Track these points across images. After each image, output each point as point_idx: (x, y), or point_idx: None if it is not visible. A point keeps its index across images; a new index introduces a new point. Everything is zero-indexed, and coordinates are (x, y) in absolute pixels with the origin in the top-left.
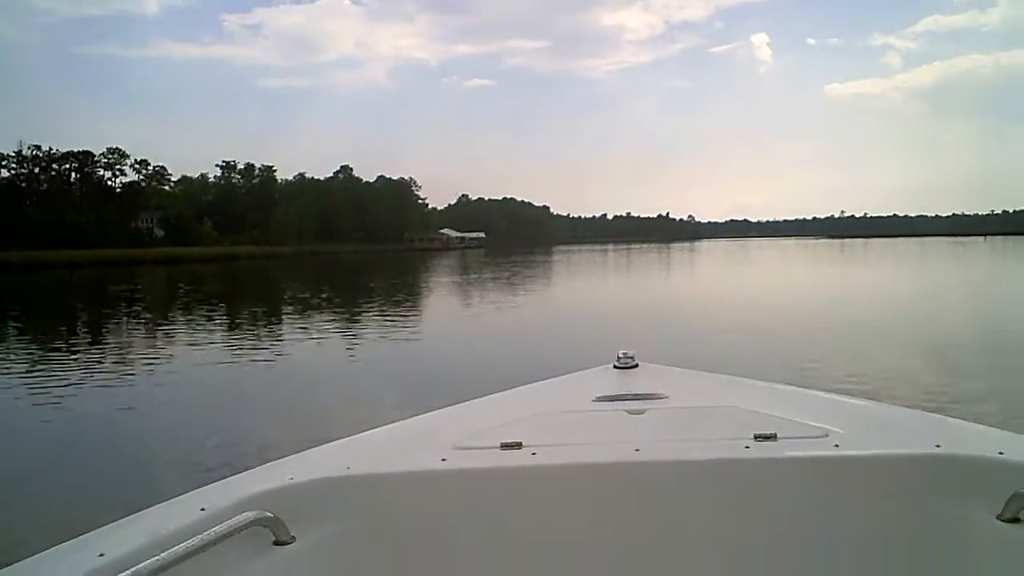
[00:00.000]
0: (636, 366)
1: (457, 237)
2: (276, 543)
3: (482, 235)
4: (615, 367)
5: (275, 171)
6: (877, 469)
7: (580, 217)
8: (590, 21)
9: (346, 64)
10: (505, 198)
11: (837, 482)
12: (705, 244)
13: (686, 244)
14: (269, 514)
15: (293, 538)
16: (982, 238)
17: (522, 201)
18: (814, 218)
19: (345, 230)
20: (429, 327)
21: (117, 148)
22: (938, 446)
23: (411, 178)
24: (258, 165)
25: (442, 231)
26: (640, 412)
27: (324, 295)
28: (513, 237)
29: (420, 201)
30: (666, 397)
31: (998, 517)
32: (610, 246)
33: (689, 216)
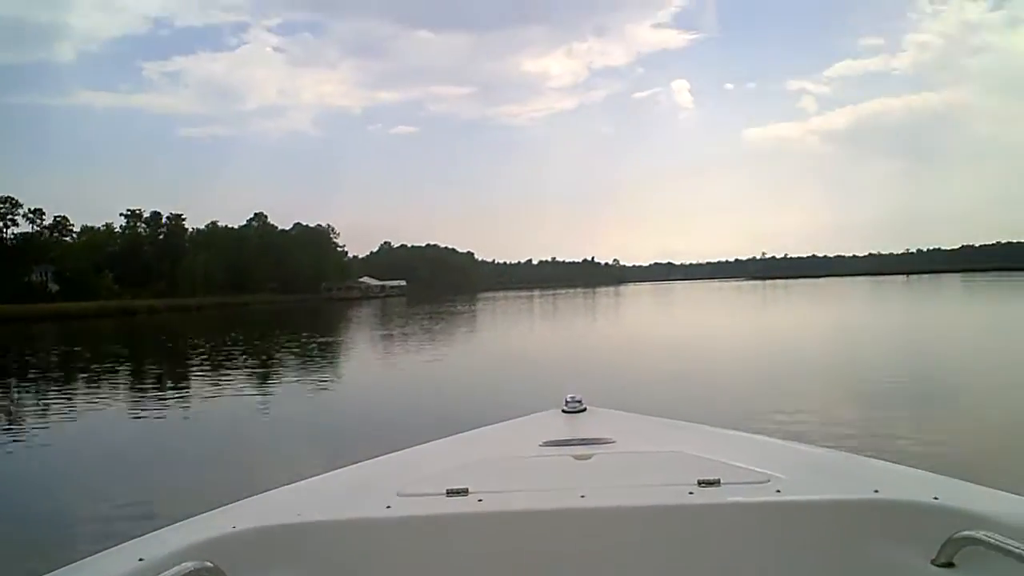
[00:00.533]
0: (584, 410)
1: (377, 285)
2: None
3: (403, 283)
4: (563, 411)
5: (184, 219)
6: (818, 514)
7: (505, 263)
8: (514, 67)
9: (269, 112)
10: (428, 245)
11: (779, 527)
12: (631, 288)
13: (612, 288)
14: (209, 564)
15: None
16: (904, 277)
17: (446, 247)
18: (736, 260)
19: (258, 280)
20: (346, 380)
21: (9, 197)
22: (876, 491)
23: (329, 225)
24: (165, 214)
25: (361, 279)
26: (587, 457)
27: (216, 350)
28: (436, 284)
29: (339, 249)
30: (613, 442)
31: (933, 562)
32: (536, 292)
33: (614, 260)
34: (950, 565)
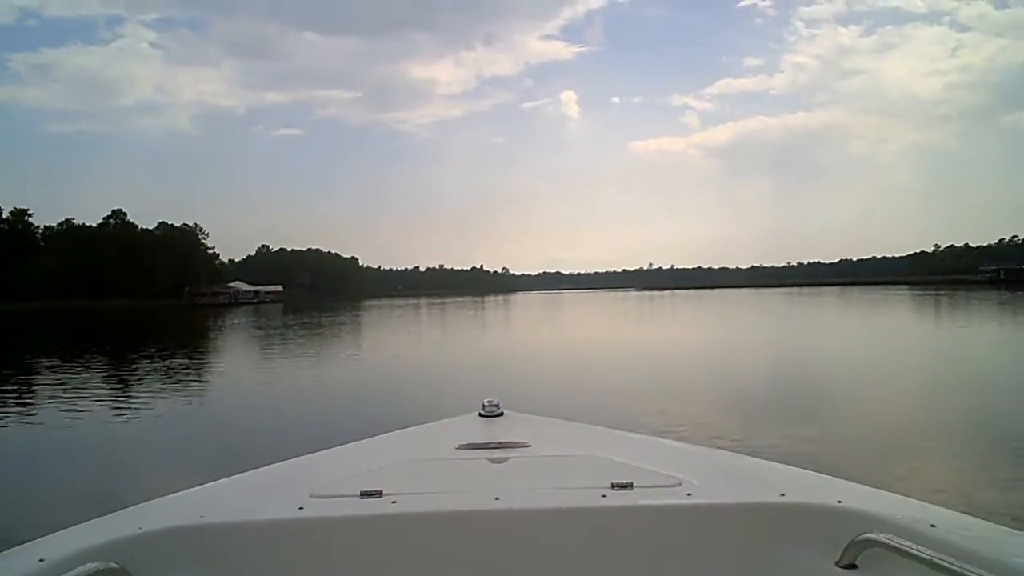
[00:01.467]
0: (501, 414)
1: (250, 291)
2: None
3: (279, 288)
4: (480, 415)
5: (30, 214)
6: (727, 517)
7: (392, 269)
8: (402, 73)
9: (146, 109)
10: (310, 249)
11: (689, 529)
12: (520, 297)
13: (501, 297)
14: (114, 565)
15: None
16: (795, 288)
17: (329, 252)
18: (624, 271)
19: (116, 283)
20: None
21: None
22: (783, 495)
23: (197, 224)
24: (7, 210)
25: (231, 284)
26: (503, 460)
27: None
28: (318, 290)
29: (209, 251)
30: (529, 446)
31: (836, 563)
32: (423, 299)
33: (503, 268)
34: (853, 566)
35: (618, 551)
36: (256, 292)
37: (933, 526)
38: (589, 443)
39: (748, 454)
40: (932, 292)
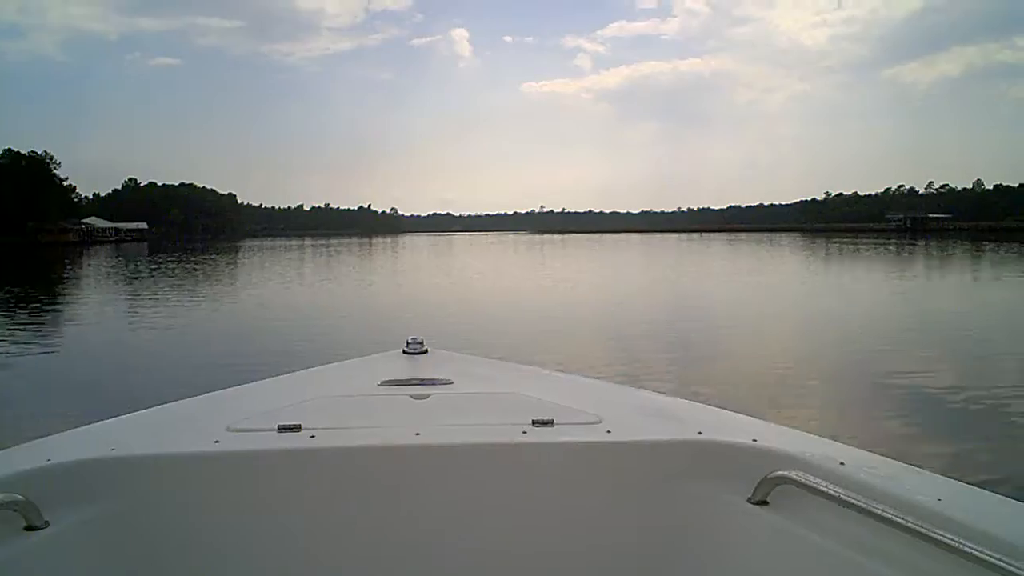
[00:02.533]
0: (425, 352)
1: (108, 228)
2: (27, 528)
3: (143, 226)
4: (404, 352)
5: None
6: (645, 454)
7: (275, 208)
8: (286, 3)
9: (7, 32)
10: (184, 184)
11: (608, 465)
12: (408, 238)
13: (389, 238)
14: (19, 497)
15: (47, 523)
16: (697, 235)
17: (204, 188)
18: (515, 213)
19: None
20: None
21: None
22: (700, 433)
23: (47, 153)
24: None
25: (86, 220)
26: (425, 397)
27: None
28: (190, 228)
29: (62, 183)
30: (452, 383)
31: (749, 500)
32: (307, 240)
33: (392, 209)
34: (764, 503)
35: (538, 486)
36: (116, 230)
37: (842, 464)
38: (512, 381)
39: (667, 394)
40: (843, 240)
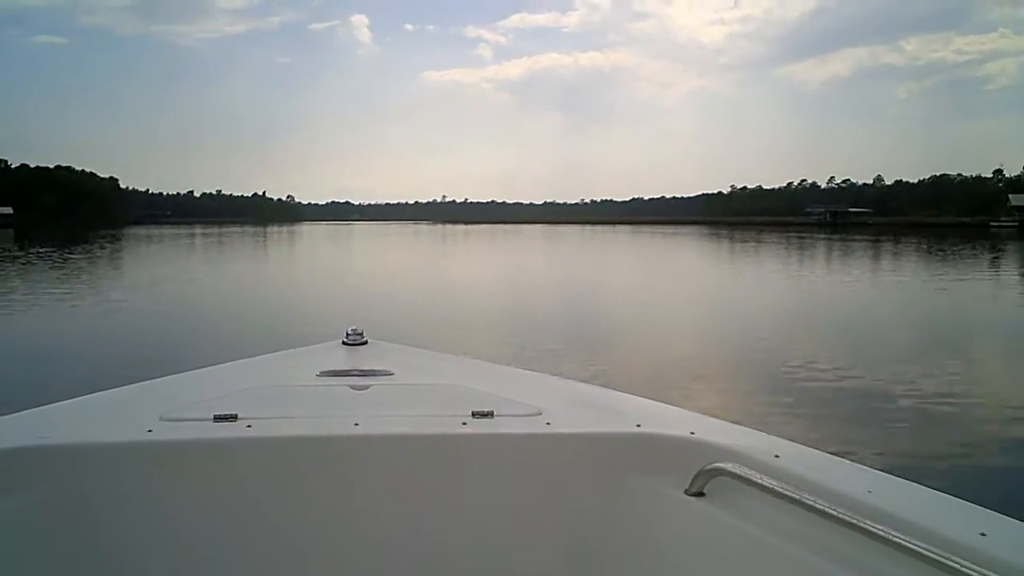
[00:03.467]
0: (365, 343)
1: None
2: None
3: (8, 211)
4: (344, 343)
5: None
6: (584, 446)
7: (162, 194)
8: None
9: None
10: (59, 167)
11: (547, 457)
12: (306, 227)
13: (286, 227)
14: None
15: None
16: (611, 227)
17: (83, 171)
18: (416, 202)
19: None
20: None
21: None
22: (639, 425)
23: None
24: None
25: None
26: (364, 388)
27: None
28: (66, 215)
29: None
30: (392, 374)
31: (686, 492)
32: (198, 228)
33: (288, 196)
34: (701, 494)
35: (477, 477)
36: None
37: (777, 456)
38: (452, 373)
39: (607, 387)
40: (767, 234)
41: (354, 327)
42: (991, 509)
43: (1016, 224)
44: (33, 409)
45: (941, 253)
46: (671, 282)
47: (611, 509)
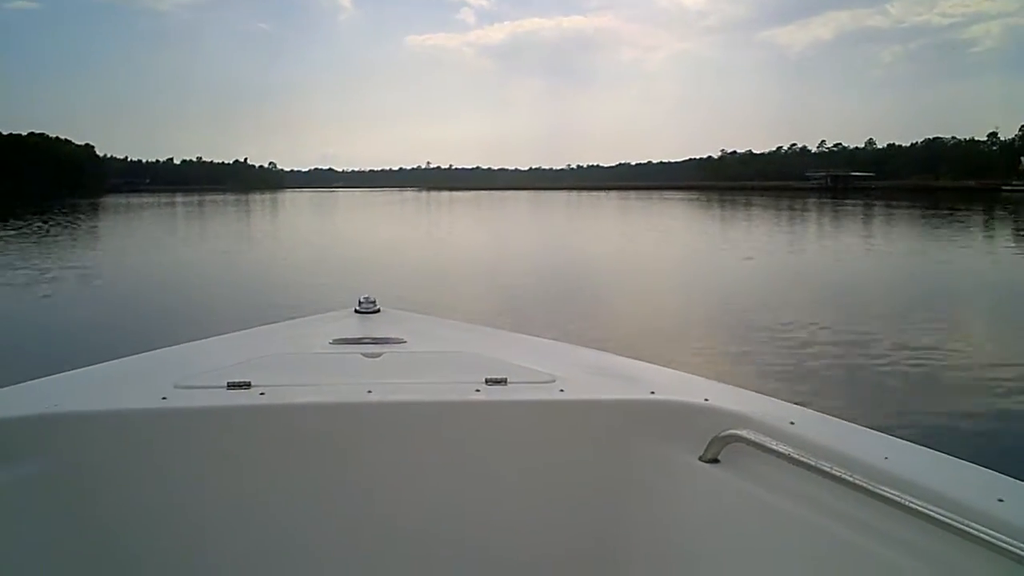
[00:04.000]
0: (378, 311)
1: None
2: None
3: None
4: (356, 311)
5: None
6: (598, 412)
7: (140, 161)
8: None
9: None
10: (32, 133)
11: (562, 424)
12: (289, 195)
13: (268, 194)
14: None
15: None
16: (604, 192)
17: (57, 138)
18: (400, 168)
19: None
20: None
21: None
22: (653, 392)
23: None
24: None
25: None
26: (377, 356)
27: None
28: (39, 182)
29: None
30: (404, 342)
31: (700, 458)
32: (179, 196)
33: (271, 163)
34: (715, 461)
35: (491, 444)
36: None
37: (792, 423)
38: (465, 340)
39: (621, 354)
40: (777, 197)
41: (366, 295)
42: (1009, 476)
43: None
44: (44, 378)
45: (979, 219)
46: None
47: (625, 475)
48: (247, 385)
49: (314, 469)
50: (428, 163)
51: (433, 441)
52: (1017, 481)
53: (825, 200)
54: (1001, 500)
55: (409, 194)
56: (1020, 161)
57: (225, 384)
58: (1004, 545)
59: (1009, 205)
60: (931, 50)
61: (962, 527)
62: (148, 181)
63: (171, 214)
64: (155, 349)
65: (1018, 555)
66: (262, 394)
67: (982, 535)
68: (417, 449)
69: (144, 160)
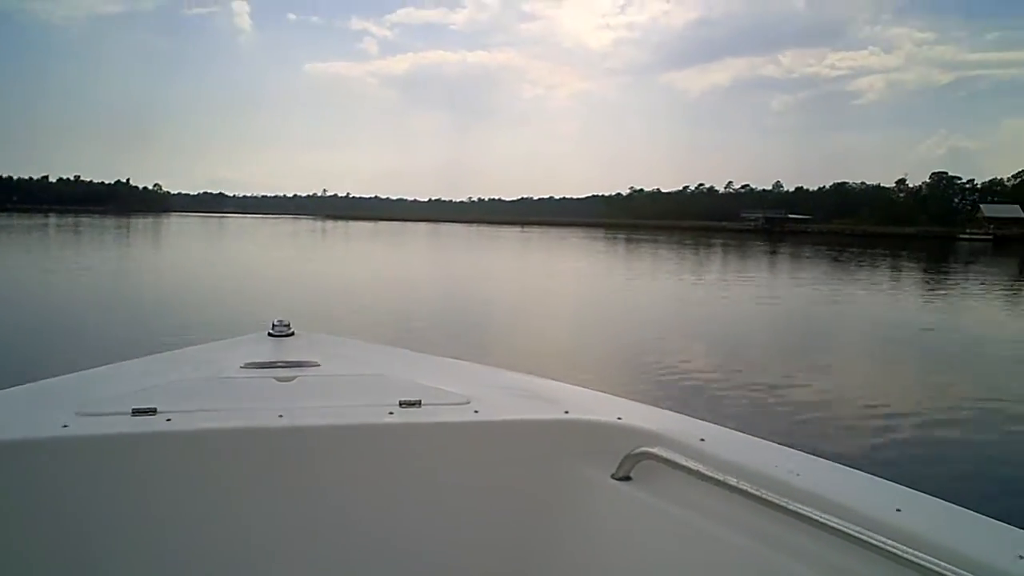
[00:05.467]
0: (292, 334)
1: None
2: None
3: None
4: (270, 335)
5: None
6: (513, 433)
7: (10, 178)
8: None
9: None
10: None
11: (477, 445)
12: (175, 219)
13: (151, 218)
14: None
15: None
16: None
17: None
18: (296, 196)
19: None
20: None
21: None
22: (567, 412)
23: None
24: None
25: None
26: (290, 379)
27: None
28: None
29: None
30: (318, 365)
31: (612, 476)
32: (52, 217)
33: (155, 185)
34: (627, 478)
35: (405, 467)
36: None
37: (702, 440)
38: (380, 363)
39: (535, 375)
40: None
41: (280, 318)
42: (904, 485)
43: (991, 237)
44: None
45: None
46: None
47: (540, 495)
48: (153, 411)
49: (223, 496)
50: (325, 190)
51: (347, 465)
52: (912, 490)
53: (761, 245)
54: (899, 510)
55: (304, 223)
56: (979, 209)
57: (130, 410)
58: (902, 554)
59: (986, 255)
60: (819, 100)
61: (863, 537)
62: (16, 199)
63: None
64: (54, 376)
65: (916, 564)
66: (168, 420)
67: (882, 545)
68: (331, 473)
69: (15, 177)
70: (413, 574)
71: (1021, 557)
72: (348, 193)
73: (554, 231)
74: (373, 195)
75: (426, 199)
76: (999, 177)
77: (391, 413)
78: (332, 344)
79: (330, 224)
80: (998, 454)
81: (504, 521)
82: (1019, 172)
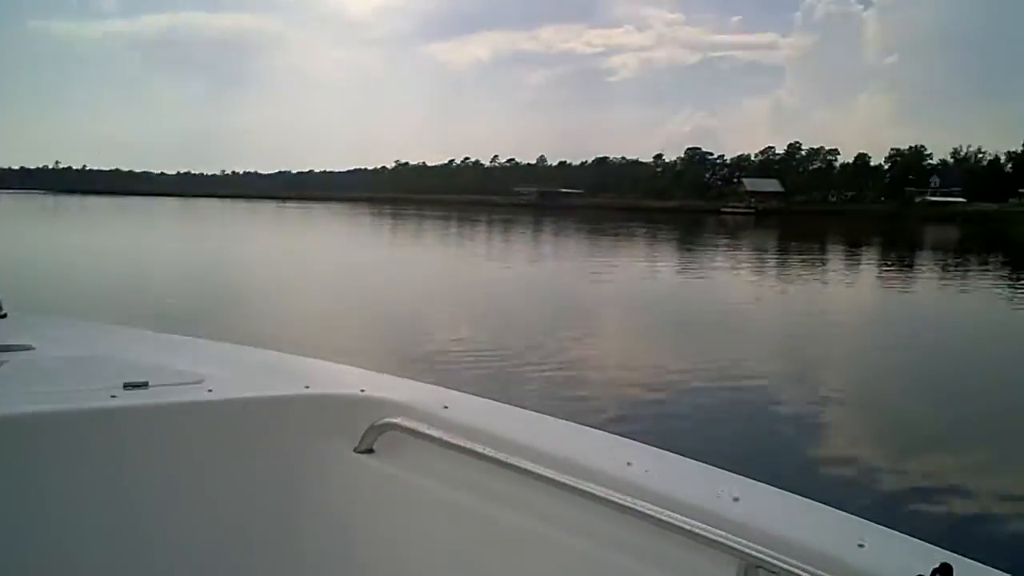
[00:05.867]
0: (4, 315)
1: None
2: None
3: None
4: None
5: None
6: (251, 411)
7: None
8: None
9: None
10: None
11: (212, 426)
12: None
13: None
14: None
15: None
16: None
17: None
18: (22, 168)
19: None
20: None
21: None
22: (307, 387)
23: None
24: None
25: None
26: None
27: None
28: None
29: None
30: (32, 348)
31: (355, 449)
32: None
33: None
34: (370, 451)
35: (134, 453)
36: None
37: (446, 407)
38: (103, 343)
39: (273, 349)
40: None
41: None
42: (635, 440)
43: (753, 210)
44: None
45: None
46: None
47: (282, 473)
48: None
49: None
50: (57, 162)
51: (68, 455)
52: (645, 445)
53: (544, 220)
54: (630, 463)
55: (30, 200)
56: (741, 183)
57: None
58: (635, 507)
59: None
60: (576, 76)
61: (590, 491)
62: None
63: None
64: None
65: (646, 514)
66: None
67: (608, 497)
68: (50, 465)
69: None
70: (146, 566)
71: (860, 545)
72: (84, 165)
73: (317, 206)
74: (113, 168)
75: (174, 172)
76: (746, 153)
77: (114, 396)
78: (48, 325)
79: (62, 200)
80: (713, 405)
81: (243, 503)
82: (765, 148)
